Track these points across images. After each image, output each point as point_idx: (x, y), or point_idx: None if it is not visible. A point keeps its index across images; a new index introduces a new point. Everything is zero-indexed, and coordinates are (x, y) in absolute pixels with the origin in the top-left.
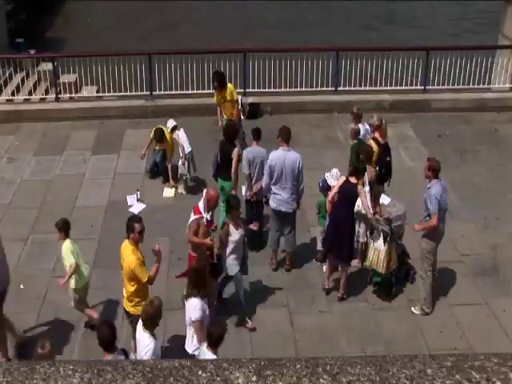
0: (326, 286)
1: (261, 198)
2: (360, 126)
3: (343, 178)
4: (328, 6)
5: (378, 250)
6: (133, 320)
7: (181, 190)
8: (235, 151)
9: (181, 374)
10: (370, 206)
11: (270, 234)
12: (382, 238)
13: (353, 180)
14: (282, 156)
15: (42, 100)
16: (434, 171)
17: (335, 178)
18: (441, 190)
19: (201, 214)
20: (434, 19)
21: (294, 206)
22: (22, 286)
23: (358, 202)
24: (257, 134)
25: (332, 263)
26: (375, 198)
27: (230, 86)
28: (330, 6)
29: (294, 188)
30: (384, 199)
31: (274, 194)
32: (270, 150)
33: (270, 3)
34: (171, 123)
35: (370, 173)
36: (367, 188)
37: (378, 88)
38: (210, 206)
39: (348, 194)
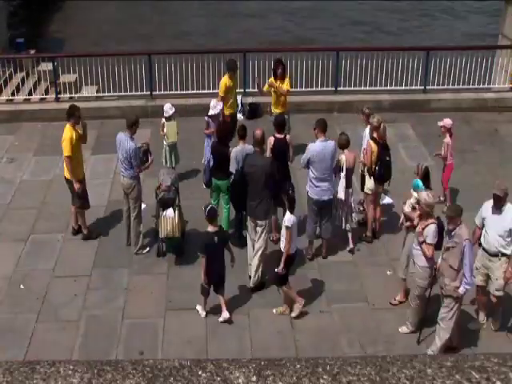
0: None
1: None
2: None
3: (272, 138)
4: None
5: (170, 218)
6: None
7: None
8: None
9: (181, 374)
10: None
11: (307, 225)
12: (170, 207)
13: (279, 135)
14: (321, 147)
15: (42, 100)
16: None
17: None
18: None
19: None
20: (434, 19)
21: (333, 193)
22: (22, 286)
23: (339, 189)
24: (243, 133)
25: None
26: (375, 198)
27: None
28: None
29: (332, 176)
30: (384, 199)
31: (315, 186)
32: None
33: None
34: (171, 110)
35: (349, 159)
36: (343, 174)
37: (377, 88)
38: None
39: (280, 148)
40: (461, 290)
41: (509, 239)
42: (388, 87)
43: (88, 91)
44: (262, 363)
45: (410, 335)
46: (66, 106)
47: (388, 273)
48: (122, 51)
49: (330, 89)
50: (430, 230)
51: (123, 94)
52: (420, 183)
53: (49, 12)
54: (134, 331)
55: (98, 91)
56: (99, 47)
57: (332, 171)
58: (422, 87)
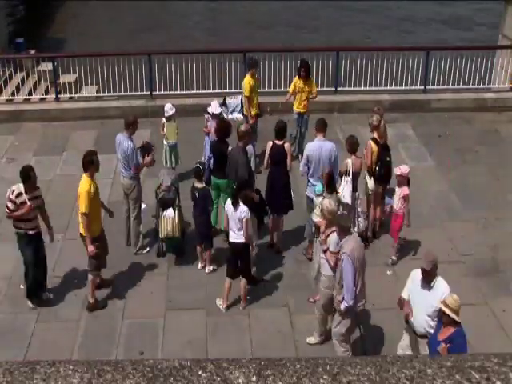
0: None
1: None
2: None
3: (270, 143)
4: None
5: (170, 218)
6: None
7: None
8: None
9: (181, 374)
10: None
11: (306, 225)
12: (170, 207)
13: (277, 142)
14: (318, 146)
15: (42, 100)
16: None
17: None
18: None
19: None
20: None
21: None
22: (22, 286)
23: (341, 191)
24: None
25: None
26: (375, 198)
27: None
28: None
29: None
30: (385, 200)
31: (312, 185)
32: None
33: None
34: (171, 110)
35: (356, 163)
36: (349, 178)
37: (377, 88)
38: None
39: (277, 154)
40: (342, 307)
41: (437, 319)
42: (388, 87)
43: (88, 91)
44: (262, 363)
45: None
46: (66, 106)
47: (388, 273)
48: (122, 51)
49: (330, 89)
50: (333, 237)
51: (123, 94)
52: (318, 188)
53: (49, 12)
54: (134, 331)
55: (98, 91)
56: (99, 47)
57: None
58: (422, 87)
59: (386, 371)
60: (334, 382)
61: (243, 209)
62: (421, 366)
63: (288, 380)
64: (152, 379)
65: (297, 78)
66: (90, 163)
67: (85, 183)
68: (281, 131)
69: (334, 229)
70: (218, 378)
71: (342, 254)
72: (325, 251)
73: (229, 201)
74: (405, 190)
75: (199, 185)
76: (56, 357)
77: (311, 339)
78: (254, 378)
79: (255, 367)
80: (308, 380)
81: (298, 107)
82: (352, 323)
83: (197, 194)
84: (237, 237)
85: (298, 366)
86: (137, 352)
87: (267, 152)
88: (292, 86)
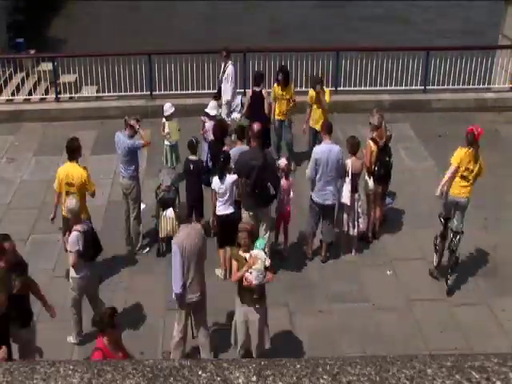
0: None
1: None
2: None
3: (250, 91)
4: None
5: (170, 218)
6: None
7: None
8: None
9: (181, 374)
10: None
11: (307, 224)
12: (170, 207)
13: (256, 88)
14: (327, 149)
15: (42, 100)
16: None
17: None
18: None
19: None
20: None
21: (337, 197)
22: None
23: (344, 194)
24: (241, 133)
25: None
26: (375, 198)
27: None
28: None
29: (337, 180)
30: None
31: (319, 189)
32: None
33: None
34: (170, 109)
35: (356, 164)
36: (348, 179)
37: (377, 88)
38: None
39: (256, 100)
40: (173, 296)
41: None
42: (388, 87)
43: (88, 91)
44: (262, 363)
45: (410, 335)
46: (66, 106)
47: (388, 273)
48: (122, 51)
49: (330, 89)
50: (71, 237)
51: (123, 94)
52: (261, 242)
53: (49, 12)
54: (134, 331)
55: (98, 91)
56: (99, 47)
57: (337, 175)
58: (422, 87)
59: (386, 371)
60: (334, 382)
61: (229, 179)
62: (421, 366)
63: (288, 380)
64: (152, 379)
65: (276, 84)
66: (75, 151)
67: (77, 169)
68: (258, 78)
69: (76, 227)
70: (218, 378)
71: (172, 243)
72: (66, 251)
73: (216, 177)
74: (284, 184)
75: (193, 157)
76: (56, 357)
77: (70, 338)
78: (254, 378)
79: (255, 367)
80: (308, 380)
81: (278, 115)
82: (184, 315)
83: (191, 166)
84: (225, 208)
85: (298, 366)
86: (137, 352)
87: (247, 99)
88: (272, 94)
